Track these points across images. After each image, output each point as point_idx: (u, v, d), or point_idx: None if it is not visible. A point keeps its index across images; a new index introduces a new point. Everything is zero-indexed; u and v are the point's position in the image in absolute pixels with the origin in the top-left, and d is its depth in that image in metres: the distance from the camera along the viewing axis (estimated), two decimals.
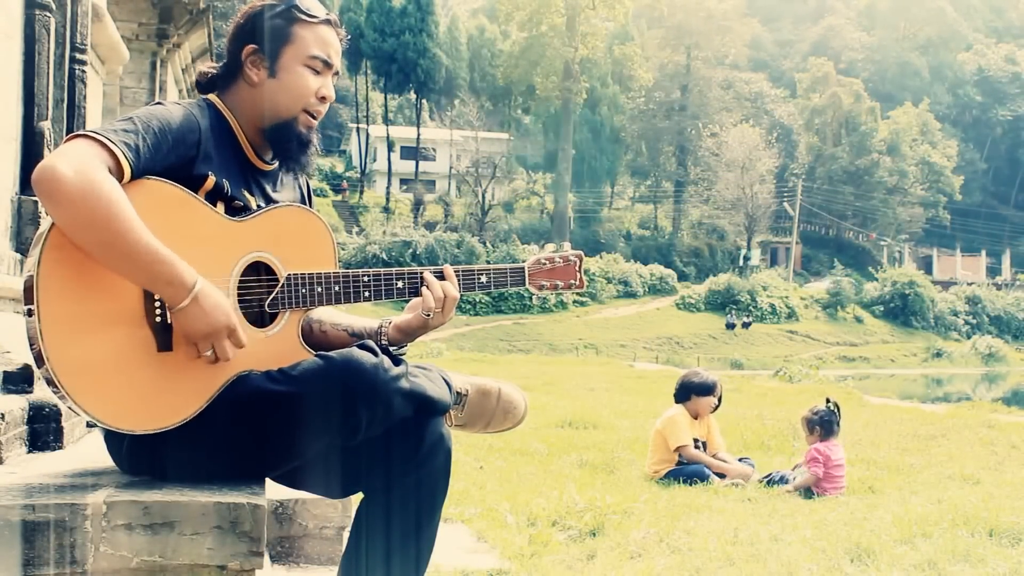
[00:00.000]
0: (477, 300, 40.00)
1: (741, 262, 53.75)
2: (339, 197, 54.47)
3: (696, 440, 5.48)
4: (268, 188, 2.06)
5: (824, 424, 5.25)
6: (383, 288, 2.01)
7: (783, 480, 5.23)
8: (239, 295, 1.88)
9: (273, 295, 1.92)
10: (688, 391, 5.56)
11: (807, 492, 5.03)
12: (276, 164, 2.09)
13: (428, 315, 2.04)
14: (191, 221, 1.82)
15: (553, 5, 51.82)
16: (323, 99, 2.03)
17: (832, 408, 5.28)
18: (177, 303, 1.73)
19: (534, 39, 52.90)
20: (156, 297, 1.76)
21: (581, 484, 4.87)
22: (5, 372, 2.53)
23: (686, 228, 58.92)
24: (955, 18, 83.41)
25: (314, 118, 2.04)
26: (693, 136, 59.21)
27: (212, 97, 2.03)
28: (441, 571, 3.11)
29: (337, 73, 2.07)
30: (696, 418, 5.54)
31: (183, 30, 8.38)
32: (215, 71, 2.06)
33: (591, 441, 6.91)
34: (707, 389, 5.51)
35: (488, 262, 40.09)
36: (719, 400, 5.62)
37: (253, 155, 2.03)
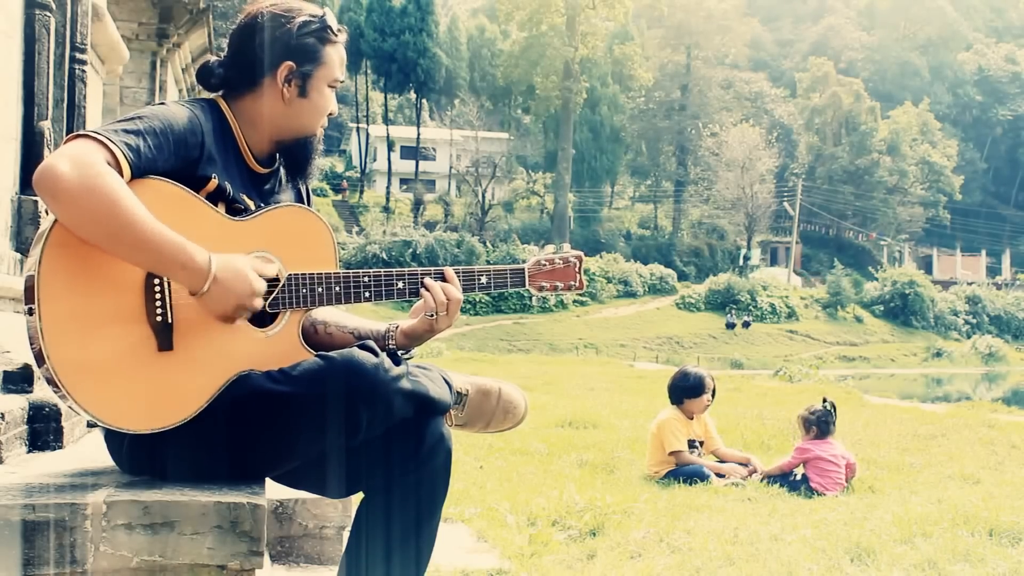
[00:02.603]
0: (477, 300, 39.97)
1: (741, 262, 53.75)
2: (339, 197, 54.50)
3: (693, 441, 5.48)
4: (266, 192, 2.07)
5: (820, 424, 5.25)
6: (383, 288, 2.01)
7: (784, 479, 5.23)
8: None
9: (274, 295, 1.92)
10: (679, 393, 5.54)
11: (807, 491, 5.03)
12: (272, 169, 2.09)
13: (432, 317, 2.04)
14: (192, 220, 1.82)
15: (553, 5, 51.79)
16: (330, 115, 2.08)
17: (828, 408, 5.29)
18: (197, 288, 1.74)
19: (534, 39, 52.86)
20: (157, 296, 1.76)
21: (581, 484, 4.87)
22: (5, 372, 2.53)
23: (686, 228, 58.91)
24: (955, 18, 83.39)
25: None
26: (693, 136, 59.21)
27: (218, 99, 2.02)
28: (441, 571, 3.11)
29: None
30: (691, 418, 5.54)
31: (183, 30, 8.38)
32: (223, 71, 2.02)
33: (591, 441, 6.91)
34: (696, 390, 5.49)
35: (488, 262, 40.09)
36: (712, 395, 5.59)
37: (251, 160, 2.03)
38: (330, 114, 2.07)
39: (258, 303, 1.83)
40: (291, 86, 1.99)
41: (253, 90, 2.00)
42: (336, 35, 2.03)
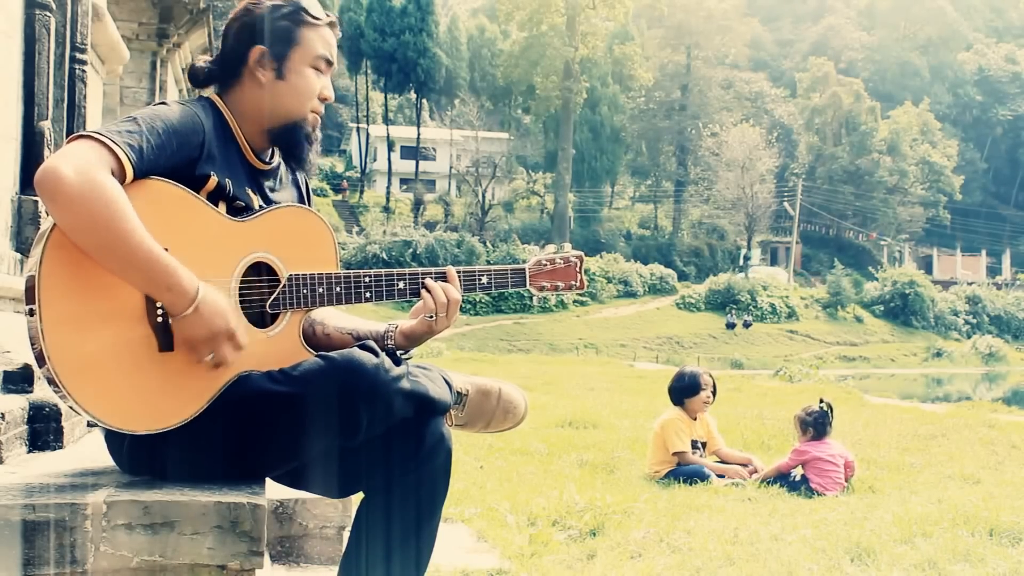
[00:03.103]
0: (477, 300, 39.96)
1: (741, 262, 53.74)
2: (339, 197, 54.47)
3: (695, 442, 5.48)
4: (268, 188, 2.06)
5: (816, 425, 5.26)
6: (384, 289, 2.02)
7: (783, 479, 5.23)
8: (240, 295, 1.88)
9: (274, 295, 1.92)
10: (677, 394, 5.57)
11: (807, 492, 5.03)
12: (274, 164, 2.09)
13: (431, 319, 2.04)
14: (193, 221, 1.82)
15: (553, 5, 51.77)
16: (324, 99, 2.05)
17: (825, 409, 5.29)
18: (178, 311, 1.73)
19: (534, 39, 52.85)
20: None
21: (581, 484, 4.87)
22: (5, 372, 2.53)
23: (686, 228, 58.92)
24: (955, 18, 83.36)
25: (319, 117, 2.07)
26: (693, 136, 59.22)
27: (212, 96, 2.03)
28: (441, 571, 3.11)
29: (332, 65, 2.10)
30: (695, 418, 5.54)
31: (183, 30, 8.37)
32: (212, 67, 2.04)
33: (591, 441, 6.91)
34: (692, 388, 5.51)
35: (488, 262, 40.08)
36: (713, 393, 5.60)
37: (251, 155, 2.03)
38: (325, 99, 2.05)
39: (229, 355, 1.79)
40: (266, 69, 1.99)
41: (238, 80, 2.01)
42: (314, 17, 2.02)
